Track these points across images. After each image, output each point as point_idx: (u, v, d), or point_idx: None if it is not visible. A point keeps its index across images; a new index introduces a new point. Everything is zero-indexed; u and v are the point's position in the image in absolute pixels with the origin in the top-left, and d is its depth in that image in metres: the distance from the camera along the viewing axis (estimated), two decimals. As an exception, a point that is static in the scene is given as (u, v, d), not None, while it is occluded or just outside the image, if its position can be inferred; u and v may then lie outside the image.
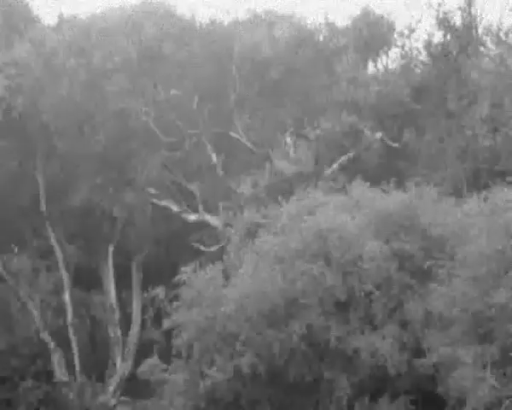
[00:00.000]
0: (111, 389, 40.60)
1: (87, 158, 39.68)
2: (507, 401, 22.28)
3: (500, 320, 23.30)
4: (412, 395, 26.27)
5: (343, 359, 27.02)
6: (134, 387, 38.01)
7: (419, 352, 25.88)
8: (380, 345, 26.30)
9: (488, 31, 38.33)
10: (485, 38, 38.77)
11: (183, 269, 30.80)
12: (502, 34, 37.88)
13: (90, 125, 39.55)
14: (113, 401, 40.42)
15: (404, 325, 26.84)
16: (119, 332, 41.29)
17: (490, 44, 38.69)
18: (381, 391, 26.65)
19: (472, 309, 24.15)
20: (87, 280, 41.22)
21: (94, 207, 39.67)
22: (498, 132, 34.82)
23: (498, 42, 37.80)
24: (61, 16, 42.07)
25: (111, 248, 41.29)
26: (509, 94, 34.93)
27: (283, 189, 36.75)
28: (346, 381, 26.71)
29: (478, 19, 38.72)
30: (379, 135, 39.43)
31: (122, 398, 40.49)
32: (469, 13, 38.54)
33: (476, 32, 38.78)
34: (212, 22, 41.13)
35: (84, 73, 38.92)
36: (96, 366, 40.51)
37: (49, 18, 43.77)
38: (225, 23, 41.35)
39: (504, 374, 22.71)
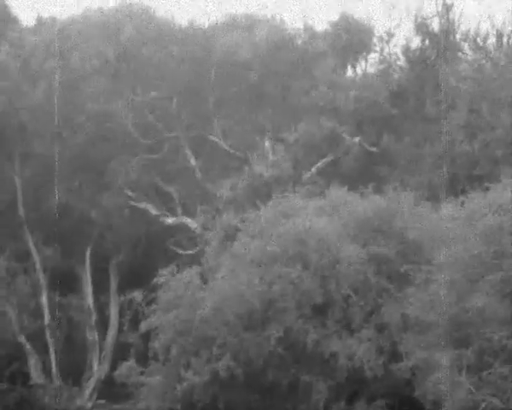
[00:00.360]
0: (87, 392, 40.44)
1: (65, 160, 39.48)
2: (483, 405, 22.39)
3: (476, 325, 23.43)
4: (389, 398, 26.36)
5: (320, 362, 27.08)
6: (111, 390, 37.86)
7: (396, 356, 25.98)
8: (357, 349, 26.38)
9: (466, 37, 38.59)
10: (462, 43, 39.03)
11: (160, 272, 30.75)
12: (479, 40, 38.14)
13: (68, 128, 39.38)
14: (89, 405, 40.26)
15: (381, 328, 26.94)
16: (95, 335, 41.14)
17: (467, 50, 38.96)
18: (358, 395, 26.74)
19: (449, 313, 24.27)
20: (64, 283, 40.98)
21: (71, 209, 39.50)
22: (476, 138, 35.02)
23: (476, 48, 38.06)
24: (39, 18, 41.89)
25: (88, 251, 41.15)
26: (486, 100, 35.15)
27: (262, 192, 36.79)
28: (323, 384, 26.77)
29: (456, 25, 38.98)
30: (357, 139, 39.54)
31: (99, 401, 40.34)
32: (447, 19, 38.78)
33: (454, 37, 39.02)
34: (191, 25, 41.08)
35: (62, 74, 38.76)
36: (73, 368, 40.31)
37: (27, 19, 43.55)
38: (204, 26, 41.31)
39: (480, 378, 22.82)
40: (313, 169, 39.19)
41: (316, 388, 26.80)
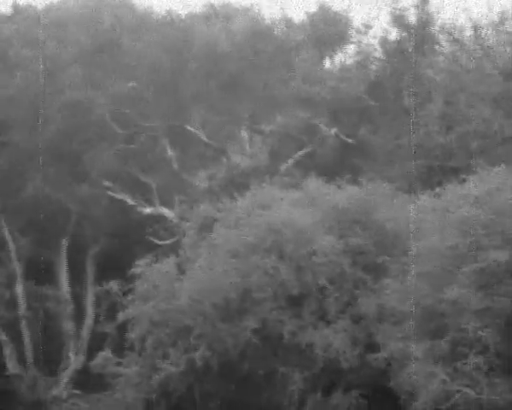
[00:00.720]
0: (63, 382, 40.34)
1: (42, 150, 39.28)
2: (457, 395, 22.55)
3: (451, 316, 23.57)
4: (364, 389, 26.48)
5: (296, 353, 27.15)
6: (87, 380, 37.79)
7: (372, 346, 26.09)
8: (333, 340, 26.46)
9: (442, 29, 38.72)
10: (439, 36, 39.16)
11: (137, 262, 30.71)
12: (456, 32, 38.28)
13: (45, 117, 39.15)
14: (65, 394, 40.15)
15: (357, 319, 27.04)
16: (72, 326, 41.05)
17: (444, 43, 39.09)
18: (334, 385, 26.84)
19: (424, 304, 24.40)
20: (40, 273, 40.80)
21: (48, 199, 39.30)
22: (452, 130, 35.17)
23: (452, 40, 38.20)
24: (16, 5, 41.59)
25: (65, 241, 41.00)
26: (462, 92, 35.30)
27: (239, 183, 36.79)
28: (298, 375, 26.84)
29: (433, 17, 39.09)
30: (334, 131, 39.61)
31: (75, 391, 40.25)
32: (424, 11, 38.90)
33: (431, 30, 39.14)
34: (170, 15, 40.96)
35: (38, 63, 38.51)
36: (49, 359, 40.18)
37: (3, 7, 43.22)
38: (182, 15, 41.21)
39: (455, 369, 22.97)
40: (290, 160, 39.25)
41: (291, 378, 26.87)
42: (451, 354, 23.33)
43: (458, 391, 22.61)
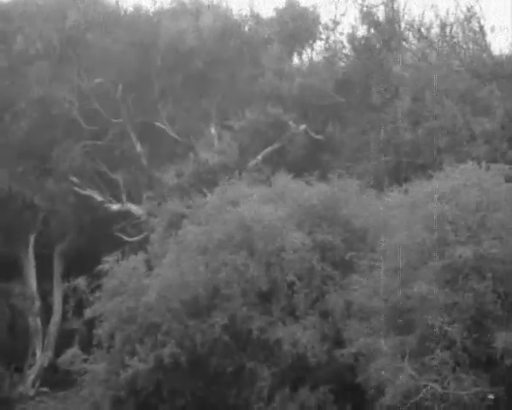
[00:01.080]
0: (30, 379, 40.10)
1: (7, 146, 38.99)
2: (424, 390, 22.70)
3: (419, 311, 23.72)
4: (332, 384, 26.54)
5: (265, 349, 27.17)
6: (54, 377, 37.61)
7: (340, 342, 26.16)
8: (301, 335, 26.50)
9: (410, 26, 38.93)
10: (407, 32, 39.38)
11: (105, 259, 30.59)
12: (423, 29, 38.52)
13: (11, 113, 38.86)
14: (32, 392, 39.92)
15: (325, 315, 27.10)
16: (39, 322, 40.82)
17: (412, 39, 39.32)
18: (302, 381, 26.88)
19: (392, 300, 24.53)
20: (7, 269, 40.53)
21: (14, 195, 39.02)
22: (419, 126, 35.37)
23: (420, 37, 38.42)
24: (-19, 0, 41.24)
25: (32, 237, 40.75)
26: (429, 88, 35.51)
27: (207, 179, 36.79)
28: (267, 371, 26.86)
29: (401, 14, 39.31)
30: (303, 127, 39.70)
31: (42, 389, 40.04)
32: (392, 8, 39.09)
33: (399, 26, 39.35)
34: (137, 10, 40.80)
35: (4, 58, 38.19)
36: (15, 356, 39.91)
37: (-31, 2, 42.82)
38: (150, 11, 41.07)
39: (422, 364, 23.13)
40: (259, 156, 39.28)
41: (260, 375, 26.88)
42: (419, 349, 23.48)
43: (425, 386, 22.76)
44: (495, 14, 42.90)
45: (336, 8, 41.03)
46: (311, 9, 41.66)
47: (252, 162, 38.91)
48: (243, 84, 40.54)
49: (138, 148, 40.26)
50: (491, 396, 22.76)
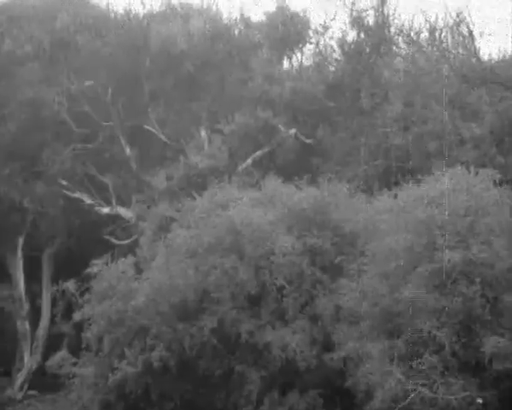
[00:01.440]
0: (18, 382, 39.98)
1: (-3, 148, 38.88)
2: (413, 394, 22.73)
3: (407, 315, 23.75)
4: (321, 388, 26.58)
5: (254, 353, 27.17)
6: (42, 381, 37.50)
7: (329, 346, 26.20)
8: (290, 339, 26.51)
9: (400, 30, 39.00)
10: (397, 37, 39.46)
11: (94, 262, 30.54)
12: (413, 34, 38.59)
13: (0, 115, 38.76)
14: (20, 395, 39.81)
15: (314, 319, 27.13)
16: (27, 325, 40.68)
17: (401, 44, 39.41)
18: (291, 385, 26.90)
19: (381, 304, 24.56)
20: (-5, 272, 40.48)
21: (3, 197, 38.92)
22: (409, 131, 35.43)
23: (410, 41, 38.49)
24: (-30, 2, 41.14)
25: (21, 240, 40.62)
26: (419, 93, 35.58)
27: (197, 183, 36.75)
28: (256, 375, 26.87)
29: (390, 18, 39.38)
30: (293, 131, 39.70)
31: (30, 392, 39.92)
32: (382, 12, 39.16)
33: (389, 31, 39.42)
34: (127, 13, 40.77)
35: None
36: (4, 359, 39.83)
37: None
38: (140, 15, 41.03)
39: (411, 367, 23.16)
40: (249, 160, 39.26)
41: (249, 378, 26.89)
42: (407, 353, 23.51)
43: (414, 390, 22.79)
44: (484, 19, 43.05)
45: (326, 12, 40.97)
46: (301, 14, 41.69)
47: (242, 166, 38.90)
48: (233, 87, 40.53)
49: (128, 151, 40.21)
50: (479, 400, 22.81)
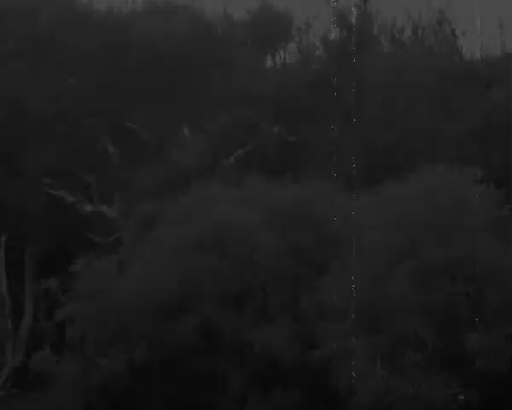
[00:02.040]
0: (1, 381, 39.78)
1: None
2: (396, 391, 22.80)
3: (390, 312, 23.82)
4: (304, 386, 26.59)
5: (237, 351, 27.16)
6: (25, 379, 37.31)
7: (312, 344, 26.20)
8: (273, 338, 26.51)
9: (383, 29, 39.12)
10: (379, 35, 39.55)
11: (77, 260, 30.43)
12: (395, 32, 38.72)
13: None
14: (2, 393, 39.60)
15: (297, 317, 27.13)
16: (9, 324, 40.49)
17: (384, 42, 39.51)
18: (275, 382, 26.90)
19: (364, 302, 24.61)
20: (-23, 271, 40.20)
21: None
22: (392, 129, 35.53)
23: (392, 40, 38.63)
24: (-48, -2, 40.88)
25: (3, 238, 40.41)
26: (402, 91, 35.69)
27: (180, 181, 36.65)
28: (239, 373, 26.86)
29: (373, 17, 39.47)
30: (276, 129, 39.71)
31: (12, 390, 39.72)
32: (365, 11, 39.25)
33: (371, 29, 39.51)
34: (110, 11, 40.65)
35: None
36: (-14, 358, 39.63)
37: None
38: (123, 12, 40.92)
39: (393, 365, 23.23)
40: (232, 158, 39.23)
41: (232, 376, 26.88)
42: (390, 350, 23.58)
43: (397, 387, 22.85)
44: (465, 18, 43.18)
45: (309, 10, 41.01)
46: (284, 12, 41.72)
47: (225, 164, 38.86)
48: (216, 85, 40.49)
49: (110, 149, 40.07)
50: (461, 397, 22.91)
